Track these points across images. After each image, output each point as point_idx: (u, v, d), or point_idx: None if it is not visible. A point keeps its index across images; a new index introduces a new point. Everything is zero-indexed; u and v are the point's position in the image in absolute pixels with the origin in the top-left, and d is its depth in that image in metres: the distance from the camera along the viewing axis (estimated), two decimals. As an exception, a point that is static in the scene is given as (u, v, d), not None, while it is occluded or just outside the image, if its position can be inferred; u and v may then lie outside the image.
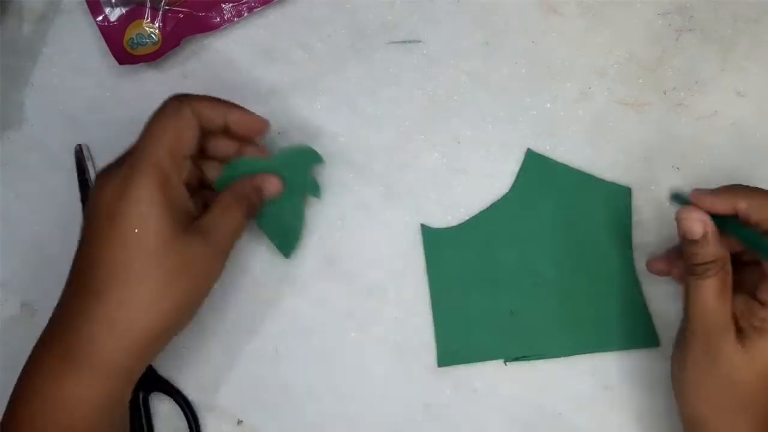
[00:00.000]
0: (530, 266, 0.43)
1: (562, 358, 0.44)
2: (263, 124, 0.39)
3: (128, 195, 0.33)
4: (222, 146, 0.39)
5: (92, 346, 0.33)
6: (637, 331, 0.43)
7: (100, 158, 0.46)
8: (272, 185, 0.39)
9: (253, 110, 0.46)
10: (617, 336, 0.43)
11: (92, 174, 0.45)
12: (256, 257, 0.45)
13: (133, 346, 0.34)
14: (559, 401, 0.43)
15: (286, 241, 0.43)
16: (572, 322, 0.43)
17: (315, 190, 0.43)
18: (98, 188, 0.34)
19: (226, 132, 0.38)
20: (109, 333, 0.33)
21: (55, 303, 0.45)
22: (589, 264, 0.44)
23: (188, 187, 0.36)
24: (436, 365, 0.43)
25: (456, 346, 0.43)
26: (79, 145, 0.45)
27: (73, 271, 0.36)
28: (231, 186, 0.38)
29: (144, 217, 0.33)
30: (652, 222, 0.45)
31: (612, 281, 0.43)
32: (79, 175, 0.45)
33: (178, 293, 0.34)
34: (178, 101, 0.36)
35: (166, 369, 0.44)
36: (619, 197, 0.44)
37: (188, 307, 0.35)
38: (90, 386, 0.33)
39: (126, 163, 0.34)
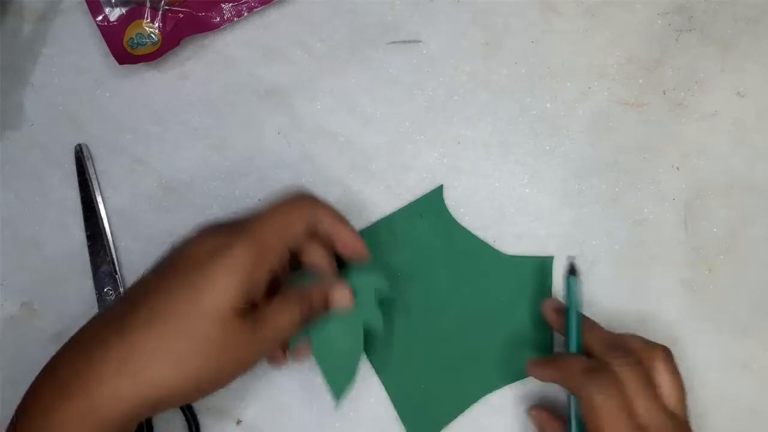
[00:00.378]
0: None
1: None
2: (365, 255, 0.39)
3: (219, 257, 0.32)
4: (315, 253, 0.38)
5: (98, 379, 0.31)
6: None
7: (100, 158, 0.46)
8: (342, 297, 0.37)
9: (253, 110, 0.46)
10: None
11: (92, 173, 0.45)
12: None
13: (133, 394, 0.31)
14: (559, 401, 0.43)
15: (338, 375, 0.39)
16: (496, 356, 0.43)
17: (377, 321, 0.39)
18: (196, 242, 0.34)
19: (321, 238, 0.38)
20: (117, 370, 0.31)
21: (54, 303, 0.45)
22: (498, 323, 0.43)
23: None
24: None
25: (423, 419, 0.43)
26: (79, 145, 0.45)
27: (123, 297, 0.35)
28: (297, 290, 0.36)
29: (219, 284, 0.32)
30: (653, 219, 0.45)
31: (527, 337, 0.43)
32: (79, 175, 0.45)
33: (204, 369, 0.32)
34: (309, 199, 0.36)
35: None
36: (538, 270, 0.44)
37: (206, 385, 0.33)
38: (80, 424, 0.31)
39: (235, 229, 0.34)
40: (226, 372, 0.33)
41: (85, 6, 0.45)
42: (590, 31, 0.46)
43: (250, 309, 0.33)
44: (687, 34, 0.46)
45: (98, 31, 0.45)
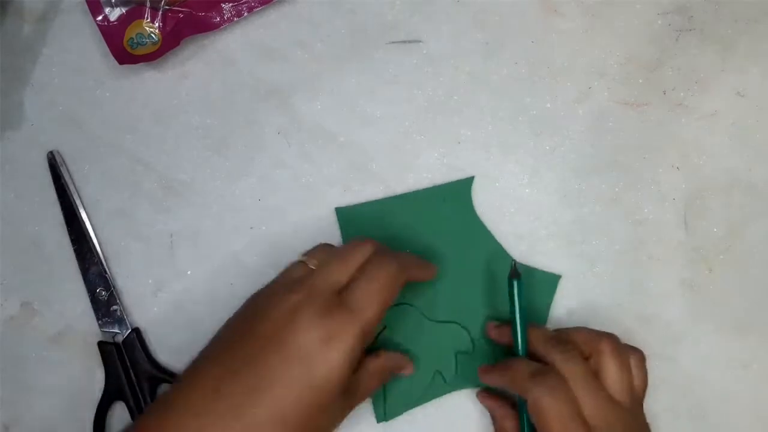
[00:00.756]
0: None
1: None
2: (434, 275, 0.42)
3: (333, 346, 0.33)
4: None
5: None
6: None
7: (100, 158, 0.46)
8: (409, 369, 0.42)
9: (253, 110, 0.46)
10: None
11: (67, 178, 0.45)
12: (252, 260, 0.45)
13: None
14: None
15: (387, 398, 0.43)
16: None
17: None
18: (301, 317, 0.33)
19: None
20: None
21: (54, 303, 0.45)
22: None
23: None
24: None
25: (399, 409, 0.43)
26: (51, 152, 0.46)
27: (216, 363, 0.35)
28: (381, 356, 0.39)
29: (334, 370, 0.33)
30: (653, 219, 0.45)
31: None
32: (54, 182, 0.45)
33: None
34: (403, 271, 0.37)
35: (170, 363, 0.44)
36: (543, 285, 0.44)
37: None
38: None
39: (343, 312, 0.34)
40: None
41: (85, 6, 0.45)
42: (590, 31, 0.46)
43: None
44: (687, 34, 0.46)
45: (98, 31, 0.45)
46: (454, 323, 0.43)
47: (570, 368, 0.36)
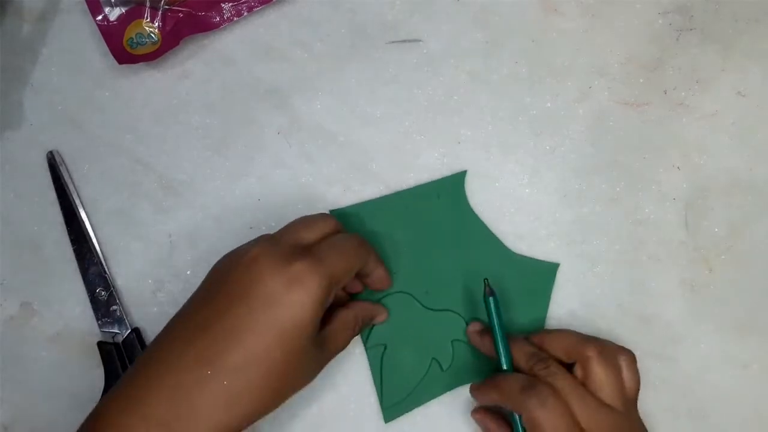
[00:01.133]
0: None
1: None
2: (389, 286, 0.43)
3: (297, 289, 0.33)
4: (356, 284, 0.42)
5: (195, 415, 0.33)
6: None
7: (100, 158, 0.46)
8: (382, 316, 0.43)
9: (253, 110, 0.46)
10: None
11: (67, 178, 0.45)
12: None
13: (230, 420, 0.33)
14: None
15: (394, 397, 0.43)
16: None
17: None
18: (270, 269, 0.34)
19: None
20: (214, 404, 0.33)
21: (54, 303, 0.45)
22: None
23: None
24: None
25: (397, 397, 0.43)
26: (51, 152, 0.46)
27: (186, 317, 0.35)
28: (352, 306, 0.40)
29: (298, 316, 0.34)
30: (654, 219, 0.45)
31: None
32: (54, 182, 0.45)
33: (278, 388, 0.34)
34: (366, 244, 0.39)
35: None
36: (541, 274, 0.44)
37: (274, 403, 0.35)
38: None
39: (307, 258, 0.34)
40: (299, 385, 0.36)
41: (85, 6, 0.45)
42: (591, 30, 0.46)
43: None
44: (687, 34, 0.46)
45: (98, 30, 0.45)
46: (450, 311, 0.43)
47: (558, 379, 0.36)
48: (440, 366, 0.43)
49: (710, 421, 0.43)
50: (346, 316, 0.39)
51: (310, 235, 0.37)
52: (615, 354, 0.38)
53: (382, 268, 0.41)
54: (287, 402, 0.35)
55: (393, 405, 0.43)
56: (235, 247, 0.44)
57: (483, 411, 0.41)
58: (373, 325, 0.43)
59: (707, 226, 0.45)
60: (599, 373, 0.36)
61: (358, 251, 0.38)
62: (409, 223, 0.44)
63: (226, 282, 0.35)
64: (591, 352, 0.37)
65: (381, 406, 0.43)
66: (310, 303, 0.34)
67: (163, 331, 0.36)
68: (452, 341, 0.43)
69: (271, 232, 0.45)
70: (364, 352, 0.44)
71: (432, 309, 0.44)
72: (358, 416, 0.43)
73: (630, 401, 0.37)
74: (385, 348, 0.43)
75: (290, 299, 0.33)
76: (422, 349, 0.43)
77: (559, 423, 0.34)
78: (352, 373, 0.44)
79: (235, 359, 0.33)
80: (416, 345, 0.43)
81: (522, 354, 0.39)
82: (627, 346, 0.43)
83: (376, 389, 0.43)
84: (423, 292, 0.44)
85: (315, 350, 0.35)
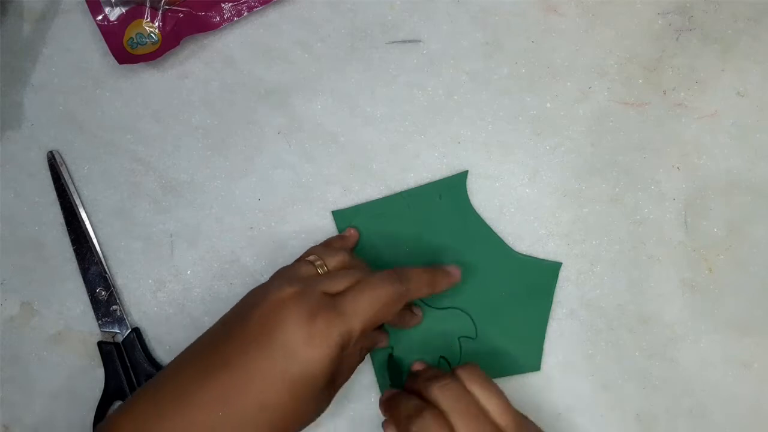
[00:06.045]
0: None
1: (561, 358, 0.44)
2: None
3: (315, 350, 0.33)
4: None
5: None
6: (528, 360, 0.44)
7: (100, 158, 0.46)
8: (384, 343, 0.43)
9: (253, 110, 0.46)
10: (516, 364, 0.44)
11: (67, 178, 0.45)
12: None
13: None
14: (558, 401, 0.43)
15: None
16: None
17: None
18: (288, 315, 0.34)
19: None
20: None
21: (54, 303, 0.45)
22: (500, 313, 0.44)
23: None
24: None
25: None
26: (51, 152, 0.46)
27: (205, 358, 0.35)
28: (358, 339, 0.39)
29: (316, 374, 0.33)
30: (653, 218, 0.45)
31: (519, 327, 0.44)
32: (54, 182, 0.45)
33: (285, 430, 0.34)
34: (405, 289, 0.37)
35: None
36: (543, 273, 0.44)
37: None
38: None
39: (332, 313, 0.34)
40: (306, 423, 0.36)
41: (85, 6, 0.45)
42: (590, 30, 0.46)
43: None
44: (687, 34, 0.46)
45: (98, 30, 0.45)
46: (456, 309, 0.44)
47: (446, 396, 0.35)
48: (449, 364, 0.43)
49: (710, 421, 0.43)
50: (353, 350, 0.38)
51: (342, 282, 0.36)
52: (462, 394, 0.36)
53: (407, 315, 0.42)
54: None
55: None
56: (234, 248, 0.45)
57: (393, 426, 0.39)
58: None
59: (707, 226, 0.45)
60: (483, 393, 0.36)
61: (391, 303, 0.36)
62: (412, 224, 0.44)
63: (250, 319, 0.34)
64: (467, 373, 0.36)
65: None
66: (327, 360, 0.33)
67: (183, 354, 0.36)
68: (459, 338, 0.43)
69: (270, 231, 0.45)
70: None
71: (437, 308, 0.44)
72: (359, 416, 0.43)
73: (515, 419, 0.36)
74: (392, 350, 0.43)
75: (307, 355, 0.33)
76: (430, 348, 0.43)
77: None
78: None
79: (248, 404, 0.33)
80: (424, 344, 0.43)
81: (419, 380, 0.38)
82: (627, 346, 0.44)
83: (380, 387, 0.43)
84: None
85: (325, 392, 0.36)
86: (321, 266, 0.37)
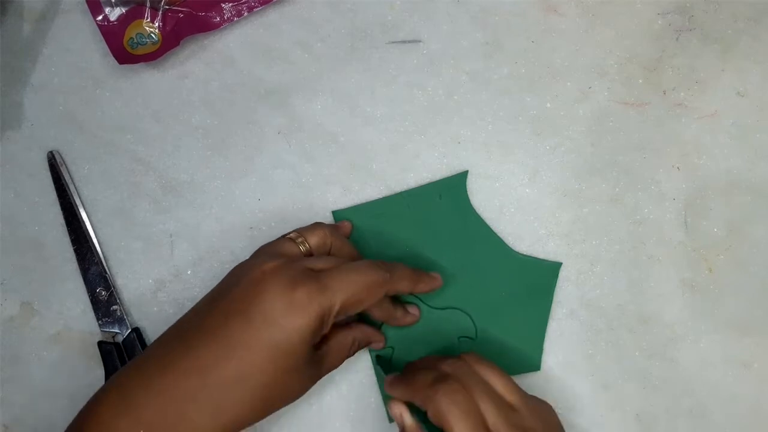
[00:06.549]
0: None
1: (561, 358, 0.44)
2: (411, 323, 0.43)
3: (294, 319, 0.34)
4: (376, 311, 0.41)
5: (181, 417, 0.33)
6: (528, 360, 0.44)
7: (100, 158, 0.46)
8: (380, 344, 0.43)
9: (253, 110, 0.46)
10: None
11: (67, 178, 0.45)
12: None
13: (215, 427, 0.33)
14: (558, 401, 0.43)
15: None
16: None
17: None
18: (268, 285, 0.34)
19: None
20: (199, 408, 0.33)
21: (53, 303, 0.45)
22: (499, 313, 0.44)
23: None
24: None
25: None
26: (51, 152, 0.46)
27: (187, 323, 0.36)
28: (352, 329, 0.40)
29: (296, 336, 0.34)
30: (653, 218, 0.45)
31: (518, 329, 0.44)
32: (54, 182, 0.45)
33: (267, 402, 0.35)
34: (385, 274, 0.37)
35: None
36: (544, 273, 0.44)
37: (262, 414, 0.35)
38: None
39: (309, 284, 0.34)
40: (289, 399, 0.36)
41: (85, 6, 0.45)
42: (590, 30, 0.46)
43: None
44: (687, 34, 0.46)
45: (98, 30, 0.45)
46: (455, 309, 0.44)
47: (464, 375, 0.36)
48: None
49: (710, 421, 0.43)
50: (344, 339, 0.39)
51: (327, 263, 0.36)
52: (472, 387, 0.37)
53: (423, 286, 0.41)
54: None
55: None
56: (234, 248, 0.45)
57: (402, 403, 0.39)
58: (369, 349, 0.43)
59: (707, 226, 0.45)
60: (494, 376, 0.37)
61: (370, 290, 0.37)
62: (412, 224, 0.44)
63: (232, 291, 0.35)
64: (474, 360, 0.37)
65: (385, 406, 0.43)
66: (305, 329, 0.34)
67: (169, 329, 0.36)
68: (459, 338, 0.43)
69: (270, 231, 0.45)
70: (365, 351, 0.44)
71: (437, 308, 0.44)
72: (359, 416, 0.43)
73: (529, 403, 0.37)
74: (393, 351, 0.43)
75: (286, 323, 0.34)
76: (430, 348, 0.43)
77: (466, 416, 0.34)
78: (352, 373, 0.44)
79: (228, 373, 0.33)
80: (424, 344, 0.43)
81: (421, 373, 0.38)
82: (627, 346, 0.44)
83: (380, 388, 0.43)
84: (424, 295, 0.44)
85: (307, 368, 0.36)
86: (302, 243, 0.38)
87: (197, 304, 0.37)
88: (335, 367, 0.39)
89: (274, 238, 0.45)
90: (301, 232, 0.39)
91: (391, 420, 0.43)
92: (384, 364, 0.43)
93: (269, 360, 0.34)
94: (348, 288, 0.35)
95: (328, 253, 0.40)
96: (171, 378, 0.33)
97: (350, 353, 0.40)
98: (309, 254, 0.38)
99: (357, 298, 0.36)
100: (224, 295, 0.35)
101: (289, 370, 0.34)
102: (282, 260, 0.35)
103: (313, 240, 0.39)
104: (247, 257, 0.45)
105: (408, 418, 0.38)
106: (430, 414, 0.35)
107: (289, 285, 0.34)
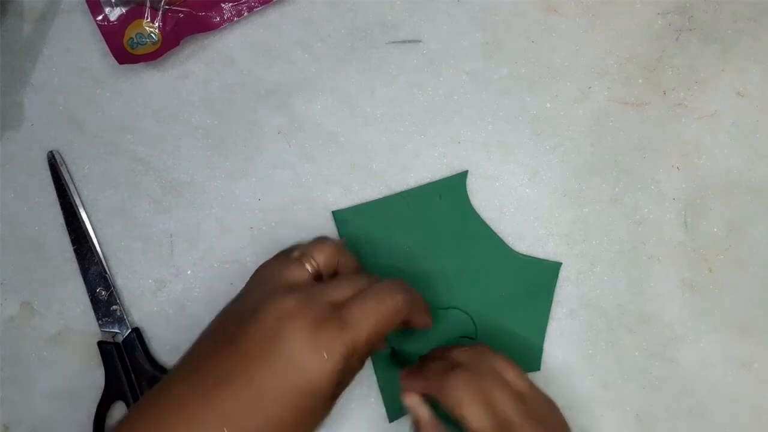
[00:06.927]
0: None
1: (561, 358, 0.44)
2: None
3: (320, 363, 0.32)
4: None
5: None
6: (528, 360, 0.44)
7: (100, 158, 0.46)
8: (382, 347, 0.43)
9: (253, 110, 0.46)
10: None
11: (67, 178, 0.45)
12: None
13: None
14: (558, 401, 0.43)
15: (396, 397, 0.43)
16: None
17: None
18: (293, 326, 0.33)
19: None
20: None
21: (54, 303, 0.45)
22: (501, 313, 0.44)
23: None
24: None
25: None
26: (51, 152, 0.46)
27: (206, 372, 0.34)
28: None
29: (321, 386, 0.33)
30: (653, 218, 0.45)
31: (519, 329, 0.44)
32: (54, 182, 0.45)
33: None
34: (409, 299, 0.36)
35: (170, 363, 0.44)
36: (544, 274, 0.44)
37: None
38: None
39: (334, 323, 0.33)
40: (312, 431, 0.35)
41: (85, 6, 0.45)
42: (590, 30, 0.46)
43: None
44: (687, 34, 0.46)
45: (98, 30, 0.45)
46: (456, 309, 0.44)
47: (477, 363, 0.37)
48: None
49: (710, 421, 0.43)
50: (356, 359, 0.38)
51: (350, 292, 0.35)
52: (482, 375, 0.37)
53: (424, 317, 0.39)
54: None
55: (398, 404, 0.43)
56: (234, 248, 0.44)
57: (416, 395, 0.39)
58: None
59: (707, 226, 0.45)
60: (507, 366, 0.38)
61: (396, 312, 0.35)
62: (412, 224, 0.44)
63: (252, 331, 0.33)
64: (487, 351, 0.38)
65: (385, 405, 0.43)
66: (333, 372, 0.33)
67: (184, 363, 0.35)
68: (459, 338, 0.43)
69: (270, 231, 0.45)
70: None
71: (437, 308, 0.44)
72: (359, 415, 0.43)
73: (539, 393, 0.38)
74: (393, 350, 0.43)
75: (313, 368, 0.32)
76: (430, 348, 0.43)
77: (478, 405, 0.34)
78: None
79: (251, 423, 0.32)
80: (424, 344, 0.43)
81: (433, 363, 0.38)
82: (627, 346, 0.44)
83: (380, 388, 0.43)
84: (428, 292, 0.44)
85: (328, 403, 0.35)
86: (309, 262, 0.36)
87: (213, 332, 0.35)
88: (348, 385, 0.38)
89: (273, 238, 0.45)
90: (307, 250, 0.37)
91: (391, 420, 0.43)
92: (398, 360, 0.43)
93: (292, 405, 0.32)
94: (372, 322, 0.34)
95: (335, 271, 0.38)
96: (192, 429, 0.32)
97: (360, 368, 0.39)
98: (317, 274, 0.37)
99: (382, 330, 0.34)
100: (243, 331, 0.34)
101: (312, 412, 0.33)
102: (299, 295, 0.34)
103: (321, 259, 0.37)
104: (247, 257, 0.45)
105: (423, 410, 0.37)
106: (442, 402, 0.35)
107: (313, 327, 0.33)
